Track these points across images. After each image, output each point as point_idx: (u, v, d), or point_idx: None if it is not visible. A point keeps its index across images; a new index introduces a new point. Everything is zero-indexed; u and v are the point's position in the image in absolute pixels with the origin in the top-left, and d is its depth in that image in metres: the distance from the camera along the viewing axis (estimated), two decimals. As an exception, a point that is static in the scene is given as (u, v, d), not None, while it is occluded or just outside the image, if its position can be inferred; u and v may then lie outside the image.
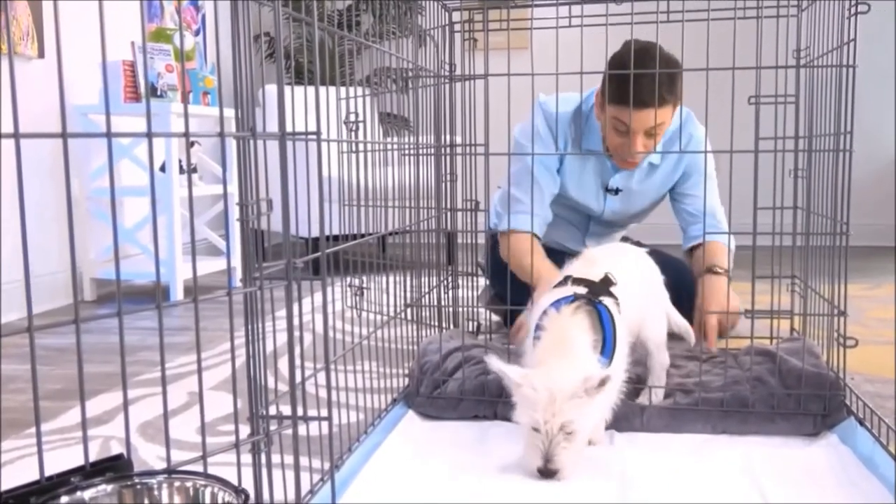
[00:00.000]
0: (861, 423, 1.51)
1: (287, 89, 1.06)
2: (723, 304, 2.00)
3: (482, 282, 2.60)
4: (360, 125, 1.97)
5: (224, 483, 0.97)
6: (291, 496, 1.10)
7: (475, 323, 2.35)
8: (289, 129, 1.05)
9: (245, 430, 1.07)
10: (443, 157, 2.12)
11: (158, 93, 3.16)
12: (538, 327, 1.47)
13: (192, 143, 3.88)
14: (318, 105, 1.12)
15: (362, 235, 1.64)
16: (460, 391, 1.67)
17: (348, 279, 2.14)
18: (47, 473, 0.90)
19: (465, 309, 2.28)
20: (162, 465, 1.06)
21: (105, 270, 3.25)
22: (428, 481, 1.36)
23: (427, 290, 2.13)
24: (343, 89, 2.82)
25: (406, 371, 1.85)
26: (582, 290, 1.51)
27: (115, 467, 0.96)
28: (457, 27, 2.10)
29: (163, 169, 3.21)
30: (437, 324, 2.18)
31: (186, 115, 0.94)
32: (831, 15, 1.60)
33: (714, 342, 1.95)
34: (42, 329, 0.83)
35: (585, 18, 1.74)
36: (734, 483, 1.34)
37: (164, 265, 3.16)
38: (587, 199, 2.26)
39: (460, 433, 1.59)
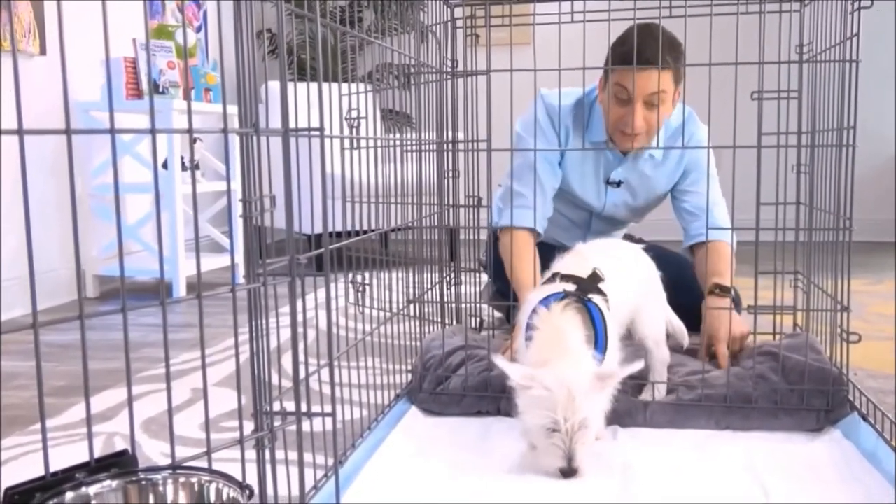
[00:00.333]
0: (864, 418, 1.51)
1: (290, 86, 1.06)
2: (730, 330, 1.85)
3: (484, 278, 2.60)
4: (361, 121, 1.96)
5: (228, 479, 0.97)
6: (295, 492, 1.10)
7: (478, 319, 2.35)
8: (291, 125, 1.05)
9: (249, 427, 1.08)
10: (445, 154, 2.12)
11: (160, 89, 3.16)
12: (529, 326, 1.45)
13: (195, 140, 3.88)
14: (320, 101, 1.12)
15: (365, 232, 1.64)
16: (463, 387, 1.67)
17: (351, 275, 2.14)
18: (52, 470, 0.90)
19: (468, 305, 2.28)
20: (166, 462, 1.06)
21: (107, 267, 3.25)
22: (431, 477, 1.36)
23: (430, 286, 2.13)
24: (345, 86, 2.82)
25: (409, 367, 1.85)
26: (571, 286, 1.50)
27: (119, 463, 0.97)
28: (459, 23, 2.10)
29: (165, 166, 3.21)
30: (439, 320, 2.19)
31: (190, 112, 0.94)
32: (834, 10, 1.60)
33: (726, 367, 1.89)
34: (47, 325, 0.83)
35: (588, 14, 1.74)
36: (737, 478, 1.34)
37: (167, 262, 3.16)
38: (588, 191, 2.25)
39: (463, 429, 1.59)
